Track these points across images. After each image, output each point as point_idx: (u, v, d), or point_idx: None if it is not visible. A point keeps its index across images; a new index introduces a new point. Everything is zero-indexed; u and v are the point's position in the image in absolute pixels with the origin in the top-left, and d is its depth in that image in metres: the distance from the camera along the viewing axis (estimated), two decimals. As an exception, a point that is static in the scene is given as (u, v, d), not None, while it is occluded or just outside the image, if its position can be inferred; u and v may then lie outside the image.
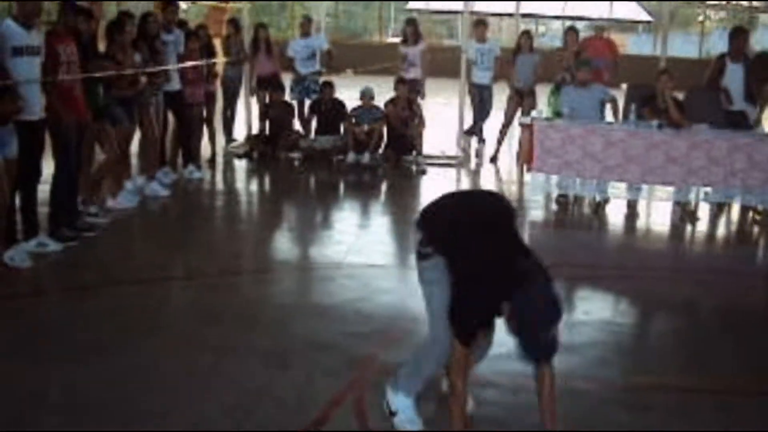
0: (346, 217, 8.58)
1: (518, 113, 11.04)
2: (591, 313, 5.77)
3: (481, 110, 11.93)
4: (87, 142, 7.30)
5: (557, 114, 9.11)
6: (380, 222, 8.47)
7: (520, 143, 9.40)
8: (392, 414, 3.82)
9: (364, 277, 6.17)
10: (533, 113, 9.57)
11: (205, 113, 10.51)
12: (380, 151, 10.98)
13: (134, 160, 9.06)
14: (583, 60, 9.41)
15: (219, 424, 3.82)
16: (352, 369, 4.48)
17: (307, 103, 11.67)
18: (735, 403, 4.33)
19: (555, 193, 9.10)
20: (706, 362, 4.88)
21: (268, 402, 4.07)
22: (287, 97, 11.66)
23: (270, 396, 4.13)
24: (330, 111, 11.15)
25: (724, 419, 4.10)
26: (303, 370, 4.44)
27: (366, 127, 10.80)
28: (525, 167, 9.10)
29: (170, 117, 9.52)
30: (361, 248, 7.04)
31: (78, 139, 6.87)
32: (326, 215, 8.65)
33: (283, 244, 7.60)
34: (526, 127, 8.90)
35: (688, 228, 8.49)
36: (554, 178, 8.86)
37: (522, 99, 11.26)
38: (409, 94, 11.15)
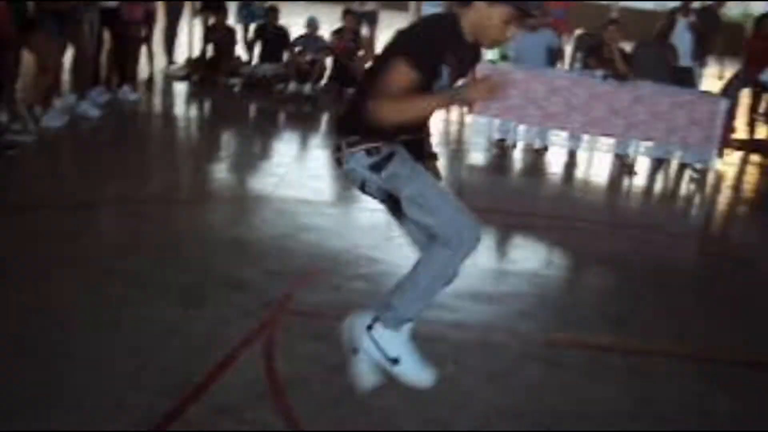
0: (281, 149, 8.40)
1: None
2: (518, 262, 5.74)
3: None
4: (10, 56, 6.98)
5: (504, 57, 8.98)
6: (315, 155, 8.29)
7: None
8: (394, 362, 3.10)
9: (291, 213, 6.03)
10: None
11: (144, 33, 10.16)
12: (323, 82, 10.76)
13: (66, 78, 8.72)
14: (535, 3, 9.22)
15: (121, 364, 3.68)
16: (266, 309, 4.36)
17: (252, 27, 11.36)
18: (648, 365, 4.31)
19: (495, 138, 9.01)
20: (627, 321, 4.85)
21: (175, 342, 3.93)
22: (231, 20, 11.33)
23: (179, 336, 4.00)
24: (274, 38, 10.86)
25: (635, 381, 4.07)
26: (217, 309, 4.31)
27: (309, 57, 10.56)
28: (467, 110, 8.99)
29: (107, 35, 9.17)
30: (292, 182, 6.89)
31: None
32: (261, 145, 8.47)
33: (214, 174, 7.37)
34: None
35: (626, 181, 8.47)
36: (497, 122, 8.76)
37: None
38: (361, 26, 10.93)
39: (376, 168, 3.12)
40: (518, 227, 6.50)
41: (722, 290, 5.65)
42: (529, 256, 5.93)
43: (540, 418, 3.63)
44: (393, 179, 3.11)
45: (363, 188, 3.24)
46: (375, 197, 3.29)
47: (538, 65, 8.72)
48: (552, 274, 5.70)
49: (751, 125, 10.59)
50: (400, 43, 3.12)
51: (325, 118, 10.06)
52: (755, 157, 10.13)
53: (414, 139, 3.27)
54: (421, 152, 3.35)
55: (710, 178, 8.74)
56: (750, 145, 10.30)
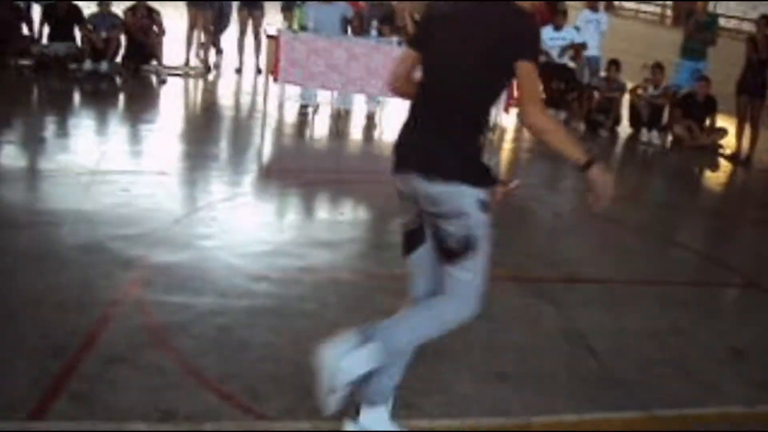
0: (90, 126, 8.36)
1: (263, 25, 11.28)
2: (345, 213, 6.22)
3: (220, 22, 11.98)
4: None
5: (303, 27, 9.33)
6: (126, 131, 8.32)
7: (267, 55, 9.62)
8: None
9: (121, 184, 6.15)
10: (279, 26, 9.75)
11: None
12: (118, 59, 10.72)
13: None
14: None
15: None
16: (126, 270, 4.55)
17: (36, 7, 11.05)
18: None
19: (298, 104, 9.43)
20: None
21: (47, 306, 4.04)
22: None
23: (49, 301, 4.11)
24: (65, 16, 10.63)
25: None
26: (79, 273, 4.45)
27: (104, 35, 10.47)
28: (272, 78, 9.32)
29: None
30: (113, 156, 6.98)
31: None
32: (71, 125, 8.34)
33: (31, 153, 7.19)
34: (273, 39, 9.08)
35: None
36: (298, 90, 9.21)
37: (249, 12, 11.59)
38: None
39: (485, 207, 2.81)
40: (335, 183, 6.95)
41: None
42: (352, 207, 6.41)
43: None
44: (485, 224, 2.84)
45: (438, 229, 2.85)
46: (425, 242, 2.99)
47: (335, 34, 9.16)
48: (374, 219, 6.20)
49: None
50: (521, 44, 2.69)
51: (125, 96, 10.07)
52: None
53: None
54: None
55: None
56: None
